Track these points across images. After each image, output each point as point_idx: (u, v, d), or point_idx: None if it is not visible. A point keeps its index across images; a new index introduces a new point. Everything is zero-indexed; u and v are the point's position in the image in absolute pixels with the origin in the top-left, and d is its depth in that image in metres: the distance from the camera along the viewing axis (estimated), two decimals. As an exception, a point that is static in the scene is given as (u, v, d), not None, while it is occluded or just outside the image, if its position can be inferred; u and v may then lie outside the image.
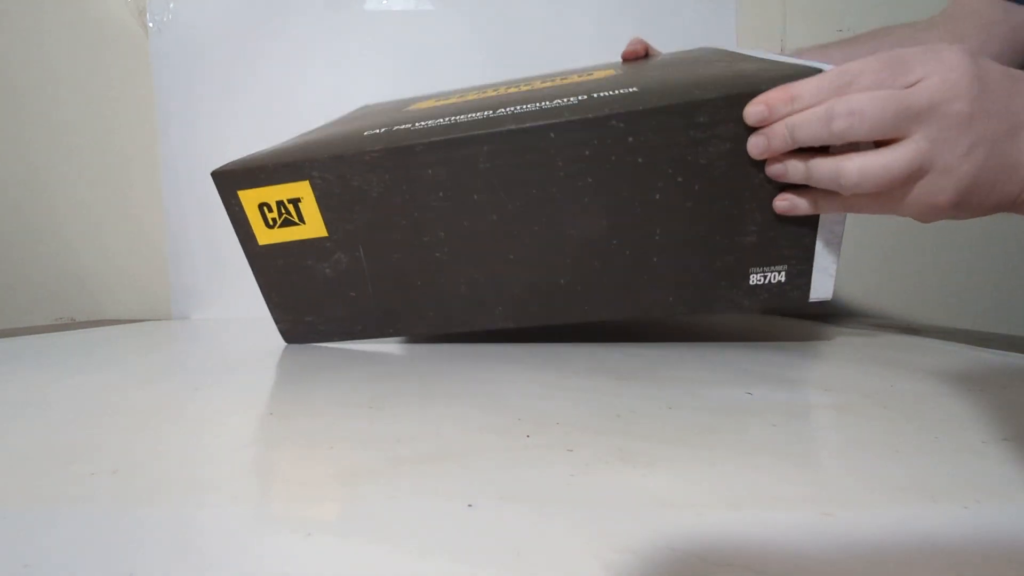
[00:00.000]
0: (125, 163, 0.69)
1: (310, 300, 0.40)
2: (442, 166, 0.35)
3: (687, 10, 0.68)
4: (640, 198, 0.35)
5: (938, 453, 0.19)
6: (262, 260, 0.40)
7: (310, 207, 0.38)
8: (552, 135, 0.34)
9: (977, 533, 0.13)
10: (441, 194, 0.36)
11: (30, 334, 0.51)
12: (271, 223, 0.39)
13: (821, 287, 0.36)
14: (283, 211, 0.38)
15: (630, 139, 0.34)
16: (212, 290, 0.69)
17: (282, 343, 0.43)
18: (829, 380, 0.30)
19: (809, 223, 0.34)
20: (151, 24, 0.67)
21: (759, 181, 0.34)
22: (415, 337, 0.45)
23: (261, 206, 0.38)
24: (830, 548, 0.13)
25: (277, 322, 0.41)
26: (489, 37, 0.69)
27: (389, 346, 0.42)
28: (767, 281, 0.36)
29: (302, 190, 0.37)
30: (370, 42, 0.68)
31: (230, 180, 0.38)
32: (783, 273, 0.36)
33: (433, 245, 0.37)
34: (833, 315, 0.67)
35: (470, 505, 0.15)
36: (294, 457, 0.19)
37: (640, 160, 0.34)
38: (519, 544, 0.13)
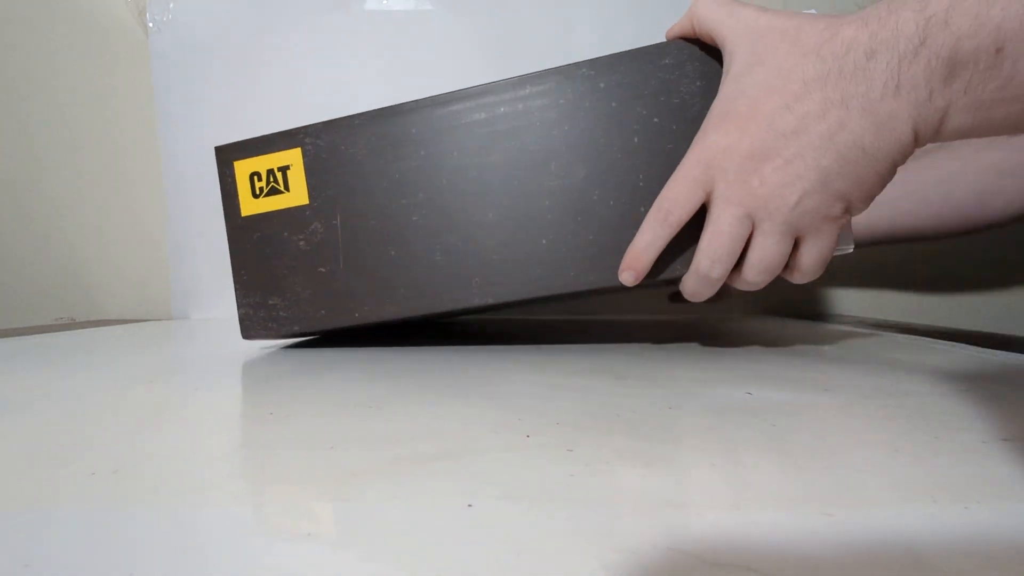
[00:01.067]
0: (125, 163, 0.69)
1: (278, 278, 0.39)
2: (424, 124, 0.37)
3: (687, 9, 0.68)
4: (619, 143, 0.35)
5: (938, 453, 0.19)
6: (240, 233, 0.40)
7: (297, 174, 0.38)
8: (528, 88, 0.36)
9: (977, 533, 0.13)
10: (423, 152, 0.37)
11: (30, 334, 0.51)
12: (258, 192, 0.39)
13: (841, 238, 0.33)
14: (271, 179, 0.39)
15: (601, 84, 0.35)
16: (212, 290, 0.69)
17: (280, 342, 0.43)
18: (829, 380, 0.30)
19: None
20: (151, 24, 0.67)
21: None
22: (416, 335, 0.44)
23: (252, 176, 0.39)
24: (830, 548, 0.13)
25: (240, 306, 0.40)
26: (489, 37, 0.69)
27: (387, 346, 0.42)
28: None
29: (293, 157, 0.38)
30: (370, 42, 0.68)
31: (229, 151, 0.39)
32: None
33: (411, 208, 0.37)
34: (833, 315, 0.67)
35: (470, 505, 0.15)
36: (294, 457, 0.19)
37: (614, 104, 0.35)
38: (519, 544, 0.13)
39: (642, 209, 0.34)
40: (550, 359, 0.36)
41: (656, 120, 0.34)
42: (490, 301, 0.36)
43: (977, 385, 0.28)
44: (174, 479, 0.17)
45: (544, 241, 0.36)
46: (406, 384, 0.30)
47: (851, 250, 0.33)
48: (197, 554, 0.13)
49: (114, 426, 0.23)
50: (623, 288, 0.35)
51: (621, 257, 0.34)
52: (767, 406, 0.24)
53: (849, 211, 0.29)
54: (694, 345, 0.40)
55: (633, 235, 0.33)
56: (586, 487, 0.16)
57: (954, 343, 0.40)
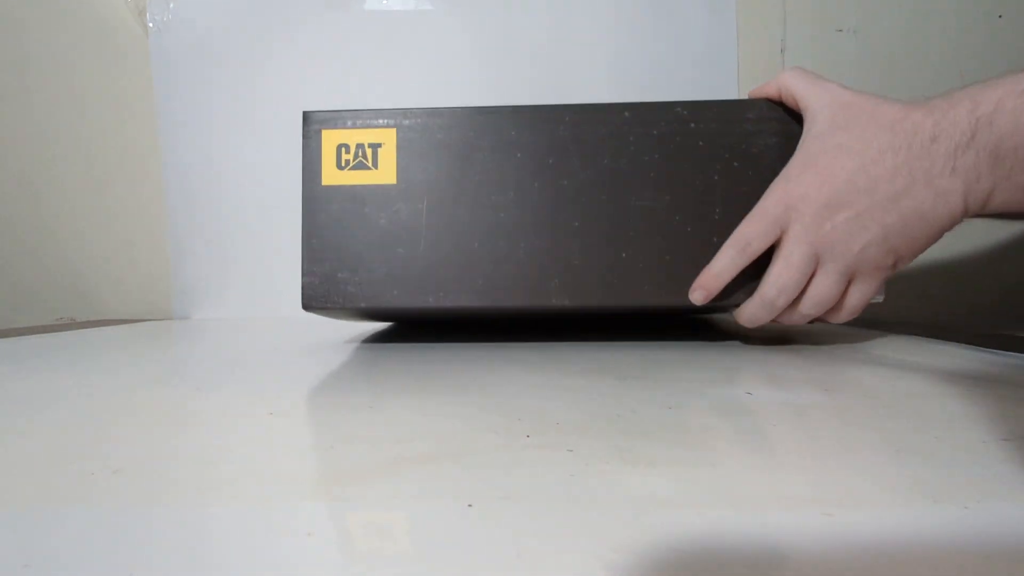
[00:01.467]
0: (126, 163, 0.69)
1: (352, 253, 0.39)
2: (526, 128, 0.39)
3: (687, 9, 0.68)
4: (700, 178, 0.38)
5: (938, 453, 0.19)
6: (317, 202, 0.39)
7: (388, 154, 0.39)
8: (627, 114, 0.39)
9: (977, 533, 0.13)
10: (519, 155, 0.38)
11: (30, 334, 0.51)
12: (343, 164, 0.39)
13: None
14: (360, 154, 0.39)
15: (692, 125, 0.38)
16: (212, 290, 0.69)
17: (281, 342, 0.43)
18: (829, 380, 0.30)
19: None
20: (151, 24, 0.67)
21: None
22: (416, 335, 0.44)
23: (340, 147, 0.39)
24: (830, 548, 0.13)
25: (305, 275, 0.39)
26: (489, 37, 0.69)
27: (388, 346, 0.42)
28: None
29: (387, 136, 0.39)
30: (370, 42, 0.68)
31: (319, 118, 0.40)
32: None
33: (500, 206, 0.38)
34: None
35: (470, 505, 0.15)
36: (294, 457, 0.19)
37: (700, 143, 0.38)
38: (519, 544, 0.13)
39: (715, 239, 0.38)
40: (550, 359, 0.36)
41: (736, 164, 0.38)
42: (566, 303, 0.38)
43: (977, 385, 0.28)
44: (174, 479, 0.17)
45: (624, 254, 0.38)
46: (406, 384, 0.30)
47: (882, 300, 0.37)
48: (197, 554, 0.13)
49: (114, 426, 0.23)
50: (688, 307, 0.38)
51: (692, 279, 0.37)
52: (767, 406, 0.24)
53: (897, 265, 0.34)
54: (694, 345, 0.40)
55: (705, 261, 0.37)
56: (586, 487, 0.16)
57: (954, 343, 0.40)
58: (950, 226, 0.33)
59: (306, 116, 0.40)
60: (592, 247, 0.38)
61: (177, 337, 0.51)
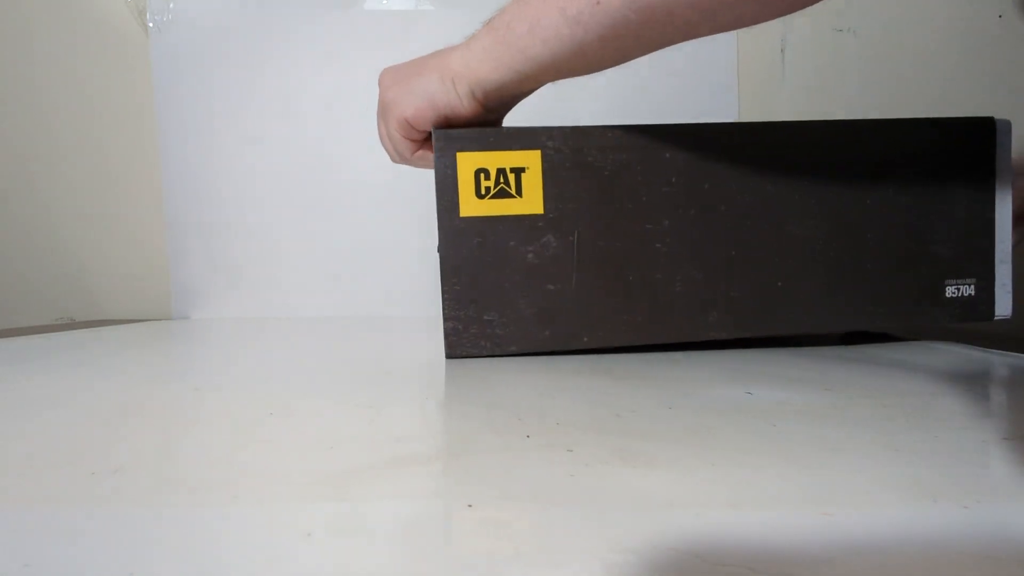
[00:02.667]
0: (125, 163, 0.69)
1: (499, 291, 0.36)
2: (681, 151, 0.36)
3: (687, 10, 0.68)
4: (856, 204, 0.37)
5: (938, 453, 0.19)
6: (457, 236, 0.35)
7: (533, 179, 0.35)
8: (784, 135, 0.37)
9: (977, 533, 0.13)
10: (674, 179, 0.36)
11: (30, 334, 0.51)
12: (483, 192, 0.35)
13: (1003, 303, 0.38)
14: (501, 180, 0.35)
15: (851, 148, 0.37)
16: (212, 290, 0.69)
17: (280, 342, 0.43)
18: (829, 380, 0.30)
19: (987, 238, 0.38)
20: (151, 24, 0.67)
21: (948, 196, 0.38)
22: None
23: (478, 172, 0.35)
24: (830, 548, 0.13)
25: (447, 320, 0.36)
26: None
27: (388, 344, 0.42)
28: (960, 295, 0.38)
29: (531, 159, 0.35)
30: (370, 42, 0.68)
31: (455, 138, 0.35)
32: (972, 287, 0.38)
33: (656, 235, 0.36)
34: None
35: (470, 505, 0.15)
36: (294, 457, 0.19)
37: (857, 168, 0.37)
38: (519, 544, 0.13)
39: (868, 267, 0.37)
40: (550, 359, 0.36)
41: (889, 190, 0.37)
42: (724, 336, 0.37)
43: (977, 385, 0.28)
44: (174, 479, 0.17)
45: (780, 283, 0.37)
46: (406, 384, 0.29)
47: (1009, 316, 0.38)
48: (197, 554, 0.13)
49: (114, 426, 0.23)
50: (841, 333, 0.38)
51: (847, 304, 0.37)
52: (767, 406, 0.24)
53: None
54: (694, 345, 0.40)
55: (859, 287, 0.37)
56: (586, 487, 0.16)
57: (954, 343, 0.40)
58: None
59: (437, 135, 0.35)
60: (748, 277, 0.36)
61: (176, 337, 0.51)
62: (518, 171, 0.35)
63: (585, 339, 0.36)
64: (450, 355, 0.36)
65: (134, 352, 0.42)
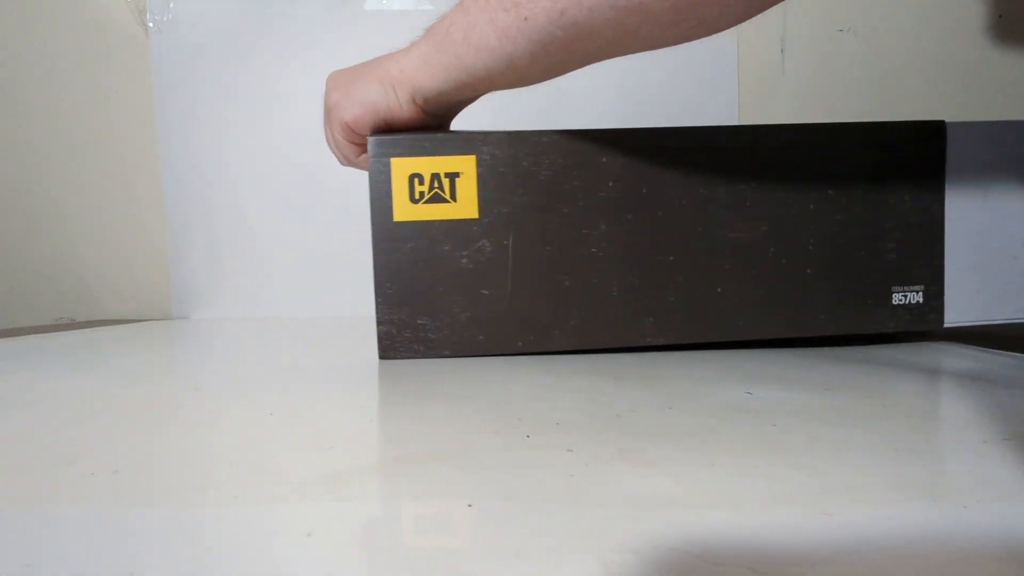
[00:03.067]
0: (125, 163, 0.69)
1: (432, 296, 0.35)
2: (619, 155, 0.36)
3: (687, 10, 0.68)
4: (797, 207, 0.37)
5: (938, 453, 0.19)
6: (390, 240, 0.35)
7: (468, 184, 0.35)
8: (722, 139, 0.36)
9: (977, 533, 0.13)
10: (611, 184, 0.36)
11: (30, 334, 0.51)
12: (417, 197, 0.35)
13: (956, 310, 0.37)
14: (436, 185, 0.35)
15: (790, 151, 0.37)
16: (212, 290, 0.69)
17: (280, 343, 0.43)
18: (829, 380, 0.30)
19: (938, 243, 0.37)
20: (151, 24, 0.67)
21: (896, 200, 0.37)
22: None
23: (412, 177, 0.35)
24: (830, 548, 0.13)
25: (380, 323, 0.36)
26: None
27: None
28: (907, 301, 0.37)
29: (466, 164, 0.35)
30: (370, 42, 0.68)
31: (388, 144, 0.36)
32: (920, 294, 0.37)
33: (592, 240, 0.36)
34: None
35: (470, 505, 0.15)
36: (294, 457, 0.19)
37: (797, 170, 0.37)
38: (519, 544, 0.13)
39: (809, 271, 0.36)
40: (550, 359, 0.36)
41: (830, 192, 0.37)
42: (662, 341, 0.36)
43: (977, 385, 0.28)
44: (174, 479, 0.17)
45: (719, 289, 0.36)
46: (406, 384, 0.29)
47: (966, 324, 0.37)
48: (197, 554, 0.13)
49: (114, 426, 0.23)
50: (780, 339, 0.37)
51: (787, 310, 0.37)
52: (767, 406, 0.24)
53: None
54: (694, 345, 0.40)
55: (799, 292, 0.36)
56: (586, 487, 0.16)
57: (954, 343, 0.40)
58: None
59: (373, 142, 0.35)
60: (685, 283, 0.36)
61: (176, 337, 0.51)
62: (453, 176, 0.35)
63: (519, 344, 0.36)
64: (383, 357, 0.36)
65: (134, 352, 0.42)
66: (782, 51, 0.69)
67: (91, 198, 0.69)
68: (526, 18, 0.29)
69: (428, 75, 0.33)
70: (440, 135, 0.36)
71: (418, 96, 0.34)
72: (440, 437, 0.21)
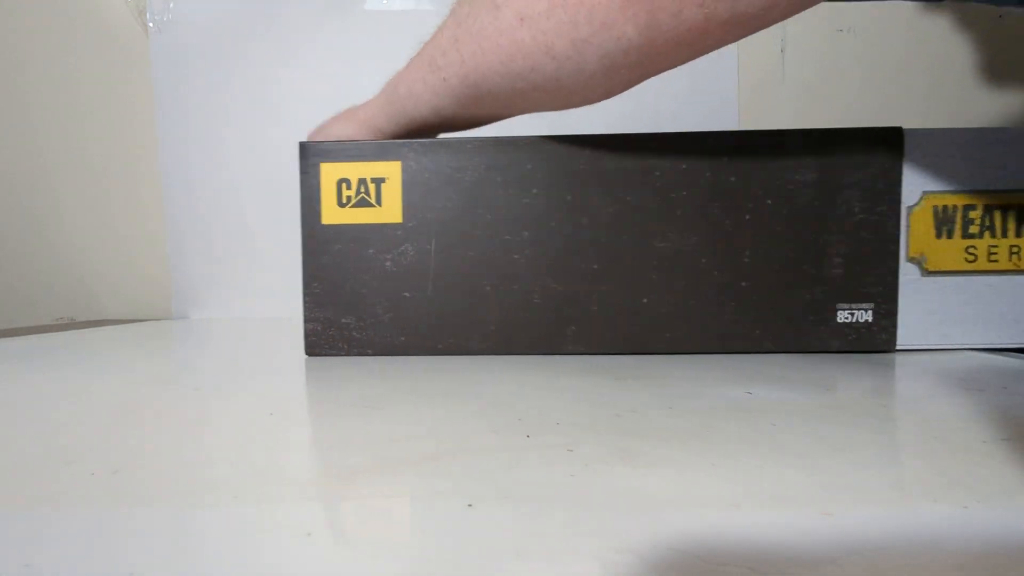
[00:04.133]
0: (125, 163, 0.69)
1: (356, 297, 0.37)
2: (544, 162, 0.36)
3: (687, 10, 0.68)
4: (731, 217, 0.35)
5: (938, 453, 0.19)
6: (318, 242, 0.37)
7: (393, 189, 0.36)
8: (653, 145, 0.36)
9: (977, 533, 0.13)
10: (535, 190, 0.36)
11: (30, 334, 0.51)
12: (344, 201, 0.37)
13: (911, 332, 0.36)
14: (362, 190, 0.36)
15: (724, 158, 0.35)
16: (212, 290, 0.69)
17: (281, 342, 0.43)
18: (829, 380, 0.30)
19: (892, 260, 0.35)
20: (151, 24, 0.67)
21: (844, 212, 0.35)
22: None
23: (340, 182, 0.37)
24: (830, 548, 0.13)
25: (308, 321, 0.37)
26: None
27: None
28: (854, 320, 0.36)
29: (391, 170, 0.36)
30: (370, 42, 0.68)
31: (316, 150, 0.37)
32: (870, 312, 0.36)
33: (514, 246, 0.36)
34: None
35: (470, 505, 0.15)
36: (294, 457, 0.19)
37: (732, 179, 0.35)
38: (519, 544, 0.13)
39: (744, 284, 0.35)
40: (550, 359, 0.36)
41: (769, 202, 0.35)
42: (583, 351, 0.36)
43: (977, 385, 0.28)
44: (174, 479, 0.17)
45: (645, 300, 0.36)
46: (405, 384, 0.30)
47: (922, 347, 0.36)
48: (197, 554, 0.13)
49: (114, 426, 0.23)
50: (715, 352, 0.36)
51: (720, 324, 0.36)
52: (767, 406, 0.24)
53: None
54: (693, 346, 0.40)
55: (733, 305, 0.35)
56: (586, 487, 0.16)
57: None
58: None
59: (303, 148, 0.37)
60: (610, 293, 0.36)
61: (176, 337, 0.51)
62: (378, 181, 0.36)
63: (439, 346, 0.37)
64: (309, 353, 0.37)
65: (134, 352, 0.42)
66: (782, 51, 0.69)
67: (91, 198, 0.69)
68: (445, 79, 0.34)
69: (385, 122, 0.38)
70: (368, 142, 0.37)
71: (381, 136, 0.39)
72: (440, 437, 0.21)
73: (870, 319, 0.36)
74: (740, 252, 0.35)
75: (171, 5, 0.67)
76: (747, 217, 0.35)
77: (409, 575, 0.12)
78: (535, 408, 0.24)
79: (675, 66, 0.32)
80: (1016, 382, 0.28)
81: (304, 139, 0.39)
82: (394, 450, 0.19)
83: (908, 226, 0.36)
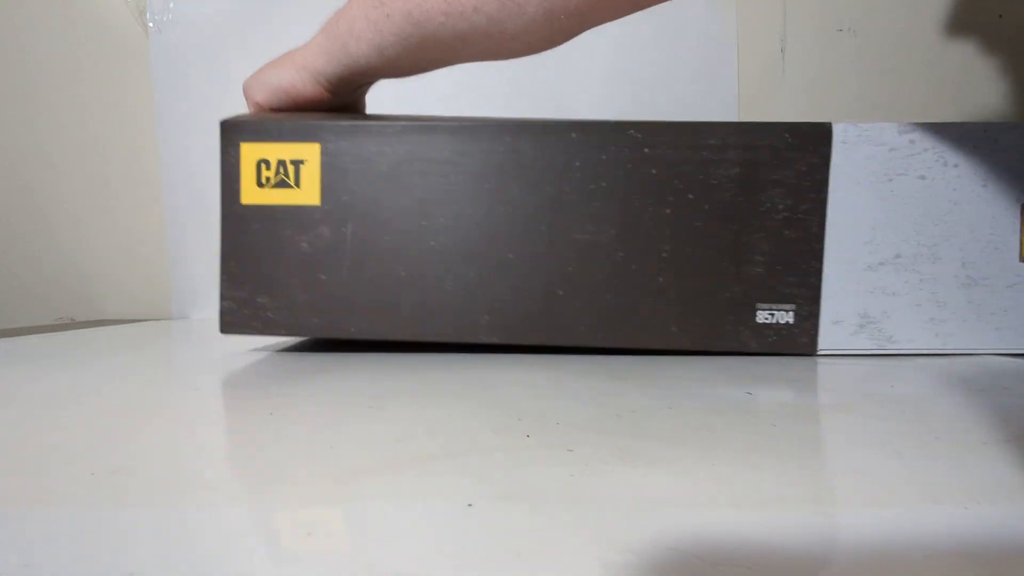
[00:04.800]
0: (125, 163, 0.69)
1: (272, 277, 0.36)
2: (463, 147, 0.35)
3: (687, 8, 0.68)
4: (651, 211, 0.35)
5: (938, 453, 0.19)
6: (236, 221, 0.37)
7: (311, 172, 0.36)
8: (574, 135, 0.35)
9: (977, 533, 0.13)
10: (453, 178, 0.36)
11: (30, 334, 0.51)
12: (263, 182, 0.36)
13: (832, 336, 0.35)
14: (281, 171, 0.36)
15: (646, 150, 0.34)
16: (212, 290, 0.69)
17: (281, 343, 0.43)
18: (829, 380, 0.30)
19: (815, 260, 0.34)
20: (151, 24, 0.67)
21: (767, 209, 0.34)
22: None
23: (260, 162, 0.36)
24: (830, 548, 0.13)
25: (223, 299, 0.37)
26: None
27: (387, 345, 0.42)
28: (775, 321, 0.35)
29: (310, 152, 0.36)
30: (370, 42, 0.68)
31: (237, 129, 0.37)
32: (791, 314, 0.35)
33: (430, 232, 0.36)
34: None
35: (470, 505, 0.15)
36: (293, 457, 0.19)
37: (654, 171, 0.35)
38: (519, 544, 0.13)
39: (661, 280, 0.35)
40: (550, 359, 0.36)
41: (691, 197, 0.34)
42: (495, 340, 0.36)
43: (977, 385, 0.28)
44: (174, 479, 0.17)
45: (561, 292, 0.35)
46: (405, 384, 0.30)
47: (844, 351, 0.35)
48: (196, 554, 0.13)
49: (113, 426, 0.23)
50: (631, 349, 0.36)
51: (636, 319, 0.35)
52: (767, 406, 0.24)
53: None
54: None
55: (650, 301, 0.35)
56: (586, 487, 0.16)
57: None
58: None
59: (223, 126, 0.37)
60: (525, 282, 0.35)
61: (176, 337, 0.51)
62: (297, 163, 0.36)
63: (352, 330, 0.36)
64: (224, 331, 0.37)
65: (134, 352, 0.42)
66: (782, 51, 0.69)
67: (91, 198, 0.69)
68: (388, 15, 0.33)
69: (324, 62, 0.37)
70: (288, 122, 0.37)
71: (321, 78, 0.38)
72: (440, 437, 0.21)
73: (791, 320, 0.35)
74: (659, 247, 0.35)
75: (171, 5, 0.67)
76: (667, 211, 0.35)
77: (409, 575, 0.12)
78: (535, 408, 0.24)
79: (617, 18, 0.32)
80: (1016, 383, 0.28)
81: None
82: (395, 450, 0.19)
83: (1022, 224, 0.34)
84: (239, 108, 0.68)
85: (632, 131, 0.35)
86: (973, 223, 0.34)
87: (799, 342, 0.35)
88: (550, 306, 0.35)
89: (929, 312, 0.35)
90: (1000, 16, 0.68)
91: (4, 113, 0.68)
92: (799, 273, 0.35)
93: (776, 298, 0.35)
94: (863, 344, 0.35)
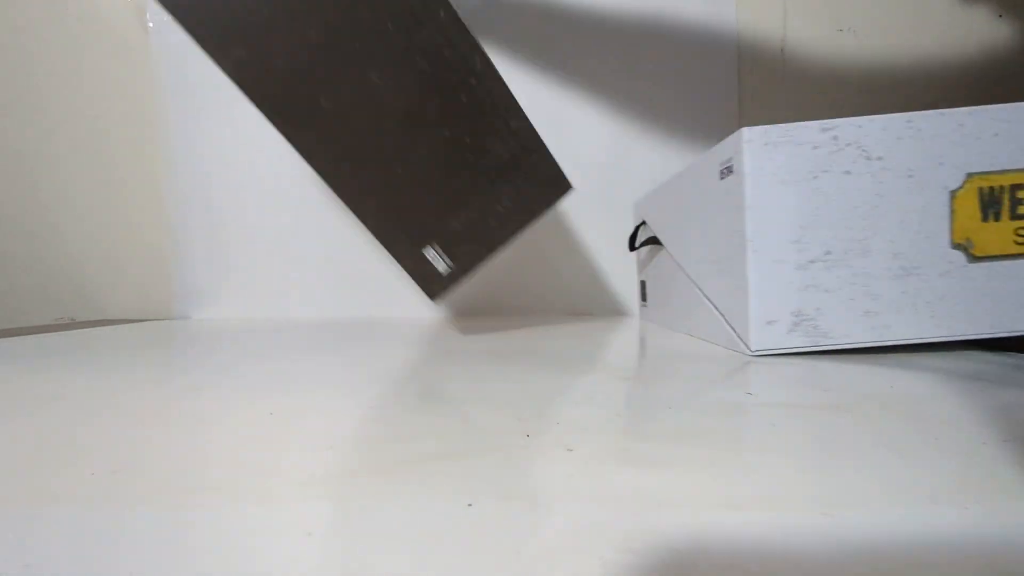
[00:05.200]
0: (125, 163, 0.69)
1: None
2: None
3: (688, 8, 0.68)
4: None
5: (938, 453, 0.19)
6: None
7: None
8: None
9: (977, 533, 0.13)
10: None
11: (30, 334, 0.51)
12: None
13: (766, 337, 0.35)
14: None
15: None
16: (212, 290, 0.69)
17: (282, 343, 0.43)
18: (829, 380, 0.30)
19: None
20: (151, 24, 0.67)
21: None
22: (415, 334, 0.43)
23: None
24: (830, 548, 0.13)
25: None
26: (487, 33, 0.69)
27: (387, 345, 0.42)
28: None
29: None
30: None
31: None
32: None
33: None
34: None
35: (470, 505, 0.15)
36: (294, 457, 0.19)
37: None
38: (519, 544, 0.13)
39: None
40: (550, 359, 0.36)
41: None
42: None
43: (977, 385, 0.28)
44: (174, 479, 0.17)
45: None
46: (406, 384, 0.30)
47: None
48: (196, 554, 0.13)
49: (114, 426, 0.23)
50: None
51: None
52: (767, 406, 0.24)
53: None
54: (694, 344, 0.40)
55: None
56: (586, 487, 0.16)
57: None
58: None
59: None
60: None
61: (177, 337, 0.51)
62: None
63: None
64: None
65: (134, 352, 0.42)
66: (782, 51, 0.69)
67: (92, 198, 0.69)
68: None
69: None
70: None
71: None
72: (440, 437, 0.21)
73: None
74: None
75: (171, 5, 0.67)
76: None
77: (409, 575, 0.12)
78: (535, 408, 0.24)
79: None
80: (1016, 383, 0.28)
81: None
82: (394, 449, 0.19)
83: (952, 211, 0.34)
84: (239, 108, 0.68)
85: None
86: (902, 214, 0.34)
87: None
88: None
89: (864, 305, 0.35)
90: (1000, 16, 0.68)
91: (5, 113, 0.68)
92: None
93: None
94: (798, 342, 0.35)
